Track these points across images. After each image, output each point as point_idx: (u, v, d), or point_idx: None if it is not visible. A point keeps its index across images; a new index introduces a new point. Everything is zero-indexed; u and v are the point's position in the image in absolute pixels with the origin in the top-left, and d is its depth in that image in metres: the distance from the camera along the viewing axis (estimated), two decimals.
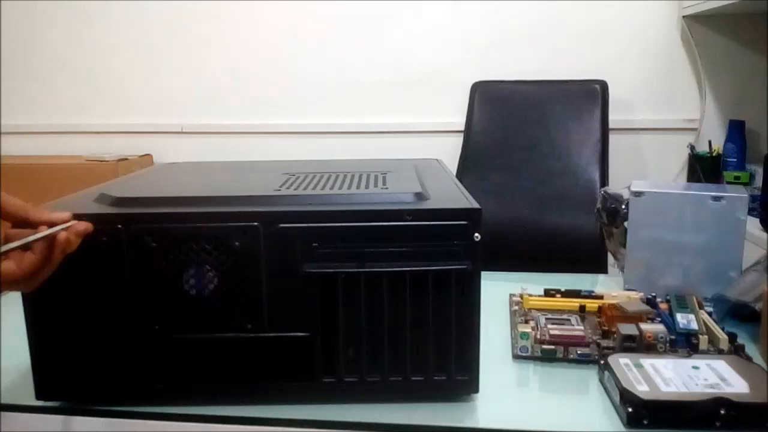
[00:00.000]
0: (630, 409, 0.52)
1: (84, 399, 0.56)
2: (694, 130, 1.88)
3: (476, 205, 0.54)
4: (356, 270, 0.53)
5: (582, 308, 0.73)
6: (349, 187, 0.61)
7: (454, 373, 0.56)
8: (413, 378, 0.56)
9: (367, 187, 0.61)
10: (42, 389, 0.56)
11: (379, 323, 0.54)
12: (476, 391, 0.56)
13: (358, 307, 0.54)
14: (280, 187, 0.61)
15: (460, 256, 0.53)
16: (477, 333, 0.55)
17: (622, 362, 0.58)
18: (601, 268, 1.49)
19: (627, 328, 0.64)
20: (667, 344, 0.63)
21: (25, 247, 0.47)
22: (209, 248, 0.53)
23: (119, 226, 0.53)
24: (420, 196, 0.57)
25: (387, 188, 0.60)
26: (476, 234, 0.53)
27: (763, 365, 0.62)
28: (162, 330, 0.54)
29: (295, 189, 0.60)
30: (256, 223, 0.53)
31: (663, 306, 0.72)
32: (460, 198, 0.58)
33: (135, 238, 0.53)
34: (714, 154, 1.76)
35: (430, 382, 0.56)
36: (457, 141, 1.81)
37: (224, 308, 0.54)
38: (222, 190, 0.60)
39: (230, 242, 0.53)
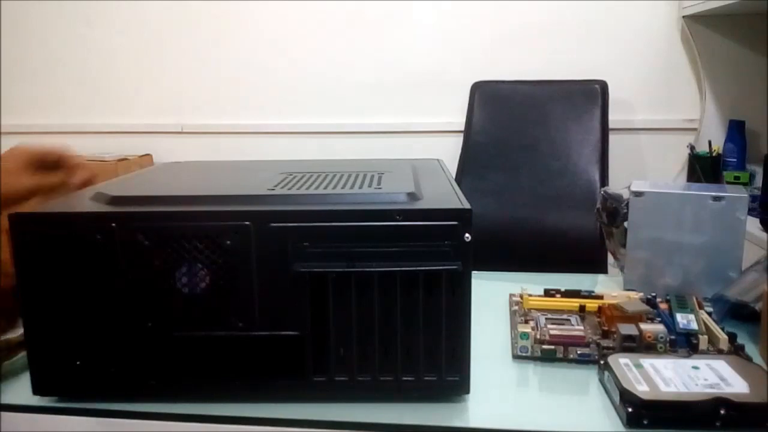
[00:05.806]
0: (630, 409, 0.52)
1: (80, 394, 0.56)
2: (694, 130, 1.88)
3: (467, 206, 0.53)
4: (347, 270, 0.53)
5: (582, 308, 0.72)
6: (343, 187, 0.60)
7: (444, 373, 0.55)
8: (404, 378, 0.55)
9: (360, 187, 0.60)
10: (39, 385, 0.56)
11: (370, 323, 0.54)
12: (467, 391, 0.56)
13: (348, 307, 0.54)
14: (275, 186, 0.61)
15: (450, 256, 0.53)
16: (468, 334, 0.54)
17: (622, 362, 0.58)
18: (601, 268, 1.48)
19: (627, 328, 0.63)
20: (667, 344, 0.62)
21: None
22: (201, 247, 0.53)
23: (113, 224, 0.53)
24: (412, 197, 0.56)
25: (380, 188, 0.59)
26: (467, 234, 0.53)
27: (763, 365, 0.62)
28: (155, 327, 0.54)
29: (288, 189, 0.59)
30: (247, 223, 0.53)
31: (663, 306, 0.71)
32: (451, 198, 0.57)
33: (128, 236, 0.53)
34: (714, 154, 1.75)
35: (421, 383, 0.55)
36: (457, 141, 1.80)
37: (216, 306, 0.54)
38: (216, 190, 0.59)
39: (221, 241, 0.52)
